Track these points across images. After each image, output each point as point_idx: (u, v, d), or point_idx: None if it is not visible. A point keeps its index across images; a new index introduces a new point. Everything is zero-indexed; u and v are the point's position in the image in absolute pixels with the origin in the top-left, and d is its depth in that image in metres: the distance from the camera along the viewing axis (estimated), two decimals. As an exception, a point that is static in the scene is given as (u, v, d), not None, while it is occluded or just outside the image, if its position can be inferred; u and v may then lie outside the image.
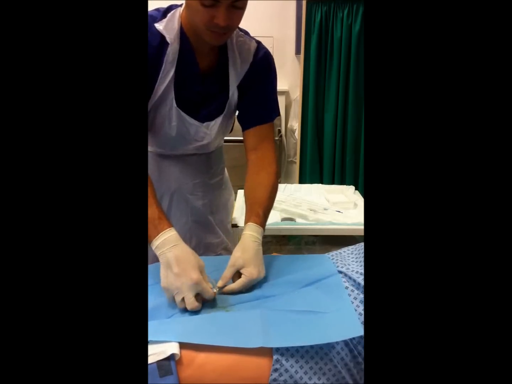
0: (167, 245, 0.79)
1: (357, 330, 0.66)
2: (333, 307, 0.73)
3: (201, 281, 0.75)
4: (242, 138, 1.06)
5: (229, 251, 1.24)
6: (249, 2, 0.85)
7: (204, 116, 1.03)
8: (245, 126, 1.05)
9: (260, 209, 0.94)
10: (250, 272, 0.83)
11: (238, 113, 1.08)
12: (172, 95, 0.96)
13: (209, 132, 1.05)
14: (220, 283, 0.82)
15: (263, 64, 1.03)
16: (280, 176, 1.02)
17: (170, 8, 0.95)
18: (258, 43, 1.03)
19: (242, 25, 0.94)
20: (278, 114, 1.09)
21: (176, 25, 0.93)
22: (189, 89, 0.98)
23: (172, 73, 0.94)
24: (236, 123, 1.12)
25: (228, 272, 0.84)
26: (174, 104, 0.97)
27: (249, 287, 0.83)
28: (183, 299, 0.75)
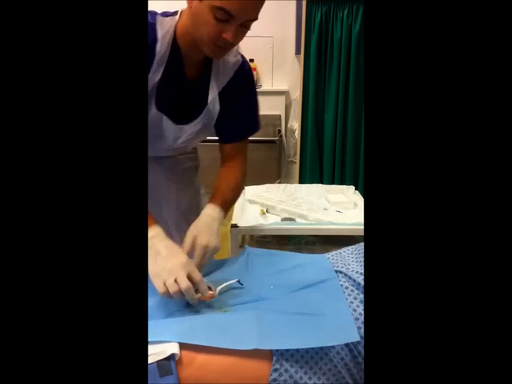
0: (156, 238, 0.83)
1: (353, 335, 0.66)
2: (330, 309, 0.72)
3: (190, 263, 0.79)
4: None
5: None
6: (249, 2, 0.85)
7: (182, 121, 1.02)
8: (221, 140, 1.09)
9: (217, 193, 1.00)
10: (201, 240, 0.88)
11: (216, 128, 1.09)
12: (153, 100, 0.95)
13: (185, 136, 1.05)
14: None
15: (243, 79, 1.04)
16: (244, 180, 1.11)
17: (165, 14, 0.94)
18: (242, 57, 1.04)
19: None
20: (257, 129, 1.11)
21: (169, 33, 0.91)
22: (172, 95, 0.98)
23: (158, 78, 0.93)
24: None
25: (187, 241, 0.89)
26: (154, 109, 0.96)
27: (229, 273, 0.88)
28: (175, 281, 0.75)
